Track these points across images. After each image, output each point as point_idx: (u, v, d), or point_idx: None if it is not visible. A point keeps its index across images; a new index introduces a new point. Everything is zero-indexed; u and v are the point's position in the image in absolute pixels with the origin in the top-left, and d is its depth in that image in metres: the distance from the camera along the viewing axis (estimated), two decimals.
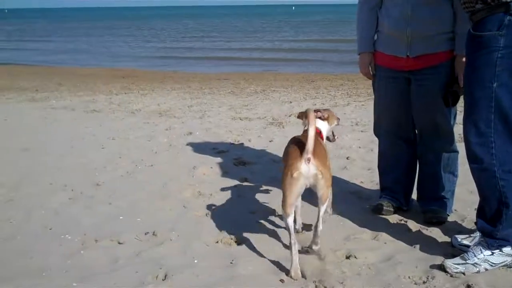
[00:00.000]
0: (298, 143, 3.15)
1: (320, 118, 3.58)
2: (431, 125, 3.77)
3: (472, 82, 2.97)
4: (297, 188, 3.08)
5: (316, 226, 3.23)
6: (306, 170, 3.04)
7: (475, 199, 3.24)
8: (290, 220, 3.11)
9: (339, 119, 3.85)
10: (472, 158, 3.01)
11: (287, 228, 3.15)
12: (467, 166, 3.09)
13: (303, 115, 3.52)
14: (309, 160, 3.02)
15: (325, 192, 3.13)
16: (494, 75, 2.84)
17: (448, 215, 3.87)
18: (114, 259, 3.38)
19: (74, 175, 5.17)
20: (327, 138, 3.70)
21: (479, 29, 2.90)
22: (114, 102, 9.66)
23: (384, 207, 3.98)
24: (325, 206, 3.19)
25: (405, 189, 4.05)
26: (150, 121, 7.81)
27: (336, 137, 3.85)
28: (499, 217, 2.99)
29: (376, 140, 4.23)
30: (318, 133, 3.44)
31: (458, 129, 3.52)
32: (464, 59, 3.17)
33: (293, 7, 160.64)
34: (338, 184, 4.49)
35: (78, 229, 3.84)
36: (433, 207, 3.84)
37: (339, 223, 3.87)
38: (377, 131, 4.14)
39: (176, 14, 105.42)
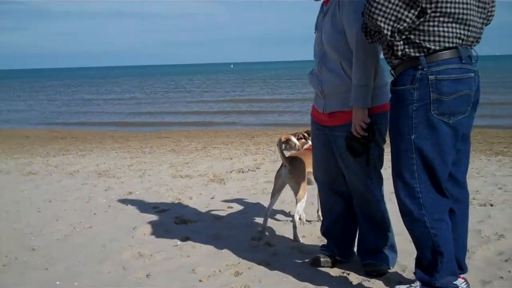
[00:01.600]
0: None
1: None
2: (352, 185, 3.80)
3: (394, 134, 3.11)
4: (277, 183, 4.69)
5: (293, 216, 4.63)
6: (283, 172, 4.56)
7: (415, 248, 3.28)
8: (271, 200, 4.74)
9: None
10: (403, 211, 3.11)
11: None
12: None
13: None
14: (285, 166, 4.51)
15: (295, 191, 4.53)
16: (411, 127, 2.97)
17: (390, 268, 3.85)
18: None
19: (9, 241, 4.97)
20: None
21: (397, 83, 3.05)
22: (51, 164, 9.44)
23: (321, 259, 3.98)
24: (298, 203, 4.51)
25: (339, 241, 4.01)
26: (89, 182, 7.65)
27: None
28: (435, 265, 3.06)
29: (316, 193, 4.28)
30: None
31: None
32: (357, 112, 3.38)
33: (232, 65, 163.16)
34: (279, 240, 4.47)
35: None
36: (371, 260, 3.83)
37: (282, 279, 3.85)
38: (316, 180, 4.17)
39: (123, 74, 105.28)
